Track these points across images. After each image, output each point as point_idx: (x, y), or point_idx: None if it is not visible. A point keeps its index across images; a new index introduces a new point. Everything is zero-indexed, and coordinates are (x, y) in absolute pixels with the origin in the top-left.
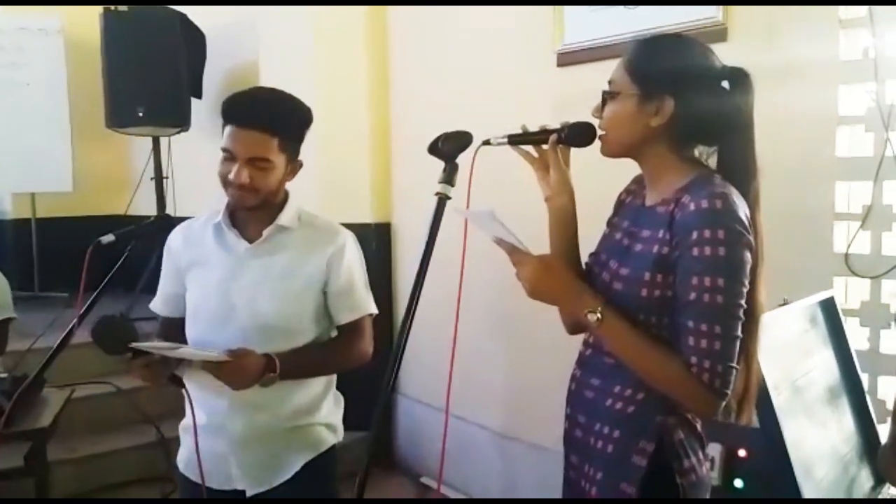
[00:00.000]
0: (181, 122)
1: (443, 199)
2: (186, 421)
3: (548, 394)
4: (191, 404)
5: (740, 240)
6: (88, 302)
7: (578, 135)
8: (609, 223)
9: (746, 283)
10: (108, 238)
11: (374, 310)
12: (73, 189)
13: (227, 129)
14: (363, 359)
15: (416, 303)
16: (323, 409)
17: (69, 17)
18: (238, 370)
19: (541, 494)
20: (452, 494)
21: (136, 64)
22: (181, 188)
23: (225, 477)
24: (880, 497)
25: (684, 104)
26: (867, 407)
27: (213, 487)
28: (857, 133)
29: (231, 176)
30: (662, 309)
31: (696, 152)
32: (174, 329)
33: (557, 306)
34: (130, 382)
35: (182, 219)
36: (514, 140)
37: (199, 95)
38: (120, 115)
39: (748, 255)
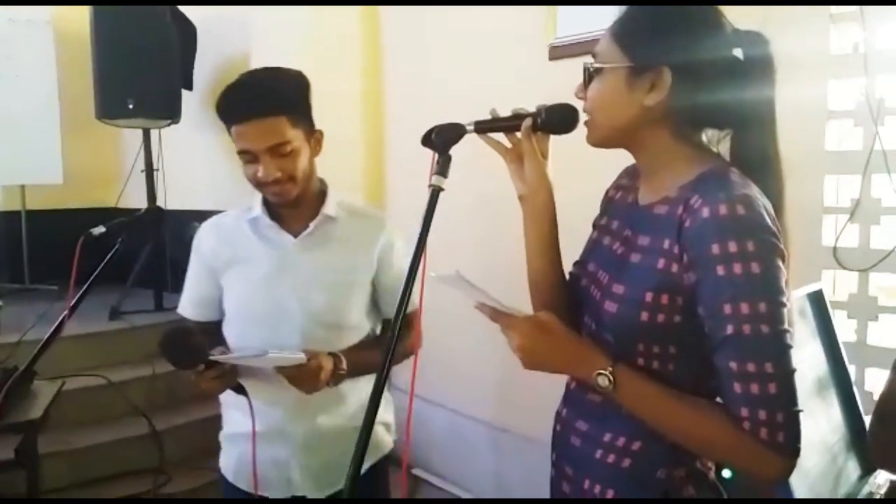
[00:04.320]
0: (172, 114)
1: (436, 191)
2: (232, 429)
3: (540, 386)
4: (252, 413)
5: (774, 250)
6: (79, 294)
7: (557, 119)
8: (595, 225)
9: (787, 301)
10: (99, 230)
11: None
12: (64, 181)
13: (233, 130)
14: (412, 353)
15: (409, 295)
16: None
17: (58, 8)
18: (315, 372)
19: (532, 486)
20: (445, 486)
21: (126, 55)
22: (172, 180)
23: (285, 484)
24: (867, 486)
25: (685, 76)
26: (855, 398)
27: (269, 497)
28: (846, 127)
29: (260, 175)
30: (668, 336)
31: (705, 137)
32: (207, 333)
33: (560, 374)
34: (121, 375)
35: (173, 211)
36: (482, 127)
37: (189, 87)
38: (110, 106)
39: (783, 267)
